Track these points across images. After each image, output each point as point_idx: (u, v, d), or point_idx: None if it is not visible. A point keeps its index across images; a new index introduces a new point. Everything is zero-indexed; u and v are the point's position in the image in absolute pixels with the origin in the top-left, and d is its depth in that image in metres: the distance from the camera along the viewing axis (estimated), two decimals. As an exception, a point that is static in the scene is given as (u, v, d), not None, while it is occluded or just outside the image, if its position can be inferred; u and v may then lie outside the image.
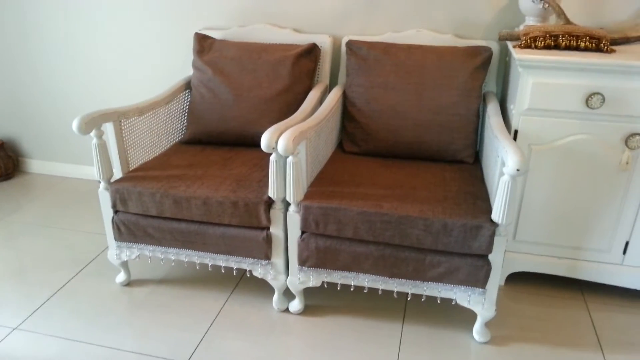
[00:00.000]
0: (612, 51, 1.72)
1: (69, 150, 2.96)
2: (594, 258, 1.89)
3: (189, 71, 2.30)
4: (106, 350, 1.70)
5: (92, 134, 1.78)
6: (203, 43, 2.23)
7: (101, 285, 2.03)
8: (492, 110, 1.88)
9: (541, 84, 1.70)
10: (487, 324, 1.76)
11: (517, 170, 1.39)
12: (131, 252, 1.93)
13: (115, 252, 1.95)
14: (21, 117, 2.95)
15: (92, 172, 2.95)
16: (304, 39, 2.25)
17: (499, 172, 1.56)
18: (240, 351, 1.70)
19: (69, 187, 2.89)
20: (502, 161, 1.52)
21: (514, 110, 1.78)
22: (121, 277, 2.03)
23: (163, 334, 1.77)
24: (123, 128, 1.91)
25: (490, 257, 1.60)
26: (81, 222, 2.51)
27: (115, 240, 1.92)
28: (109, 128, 1.86)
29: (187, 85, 2.27)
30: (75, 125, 1.71)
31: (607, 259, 1.88)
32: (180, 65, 2.58)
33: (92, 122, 1.75)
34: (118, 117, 1.87)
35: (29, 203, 2.69)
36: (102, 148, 1.80)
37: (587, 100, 1.68)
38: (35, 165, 3.06)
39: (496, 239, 1.55)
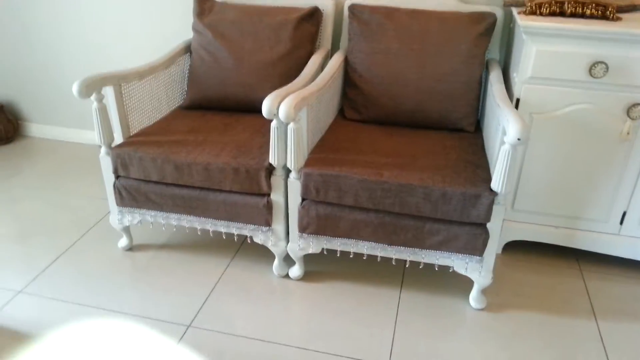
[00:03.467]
0: (619, 19, 1.69)
1: (70, 114, 2.95)
2: (591, 228, 1.91)
3: (189, 34, 2.27)
4: (109, 313, 1.74)
5: (93, 97, 1.77)
6: (203, 5, 2.19)
7: (104, 250, 2.05)
8: (495, 78, 1.87)
9: (545, 52, 1.68)
10: (484, 291, 1.79)
11: (518, 139, 1.39)
12: (133, 217, 1.95)
13: (117, 217, 1.96)
14: (21, 80, 2.93)
15: (94, 136, 2.94)
16: (305, 2, 2.21)
17: (499, 141, 1.56)
18: (241, 315, 1.74)
19: (70, 151, 2.89)
20: (503, 130, 1.51)
21: (516, 78, 1.77)
22: (123, 242, 2.05)
23: (165, 298, 1.81)
24: (123, 92, 1.89)
25: (488, 225, 1.61)
26: (83, 187, 2.52)
27: (117, 205, 1.93)
28: (109, 92, 1.85)
29: (187, 49, 2.25)
30: (75, 88, 1.70)
31: (604, 228, 1.90)
32: (180, 28, 2.54)
33: (92, 86, 1.74)
34: (118, 80, 1.85)
35: (30, 167, 2.70)
36: (103, 112, 1.80)
37: (590, 69, 1.67)
38: (36, 129, 3.05)
39: (495, 207, 1.57)
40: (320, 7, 2.18)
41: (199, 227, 1.90)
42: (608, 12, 1.68)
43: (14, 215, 2.28)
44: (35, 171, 2.66)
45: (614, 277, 1.94)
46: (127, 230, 2.03)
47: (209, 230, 2.12)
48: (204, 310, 1.76)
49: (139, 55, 2.67)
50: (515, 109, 1.54)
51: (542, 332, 1.68)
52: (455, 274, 1.92)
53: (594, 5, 1.69)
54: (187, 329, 1.68)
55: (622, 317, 1.75)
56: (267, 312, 1.75)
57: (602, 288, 1.88)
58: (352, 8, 2.06)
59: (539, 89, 1.73)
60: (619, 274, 1.96)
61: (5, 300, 1.78)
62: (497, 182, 1.52)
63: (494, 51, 2.10)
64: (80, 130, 2.97)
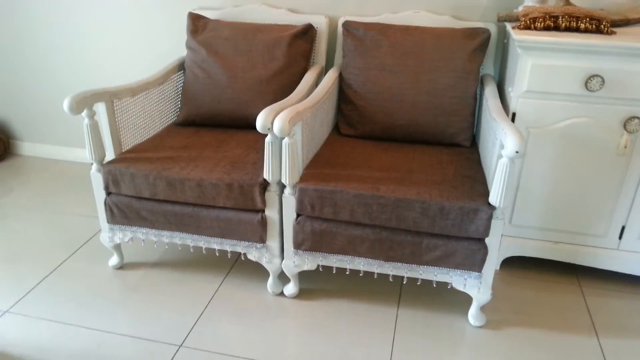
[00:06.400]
0: (613, 33, 1.69)
1: (61, 132, 2.92)
2: (590, 243, 1.89)
3: (183, 52, 2.26)
4: (99, 333, 1.68)
5: (84, 113, 1.75)
6: (197, 23, 2.18)
7: (94, 269, 2.01)
8: (490, 93, 1.86)
9: (540, 66, 1.68)
10: (483, 308, 1.75)
11: (517, 152, 1.38)
12: (124, 234, 1.91)
13: (108, 234, 1.92)
14: (11, 99, 2.90)
15: (85, 154, 2.91)
16: (299, 20, 2.21)
17: (497, 155, 1.55)
18: (235, 334, 1.69)
19: (61, 169, 2.85)
20: (501, 143, 1.50)
21: (512, 92, 1.76)
22: (114, 260, 2.01)
23: (157, 317, 1.76)
24: (115, 109, 1.87)
25: (487, 240, 1.58)
26: (74, 205, 2.48)
27: (108, 222, 1.89)
28: (101, 108, 1.82)
29: (181, 66, 2.24)
30: (66, 104, 1.68)
31: (603, 243, 1.87)
32: (173, 45, 2.53)
33: (83, 102, 1.71)
34: (110, 97, 1.83)
35: (20, 186, 2.66)
36: (94, 128, 1.77)
37: (586, 82, 1.66)
38: (27, 147, 3.01)
39: (493, 222, 1.54)
40: (314, 25, 2.18)
41: (191, 244, 1.86)
42: (602, 26, 1.68)
43: (3, 234, 2.23)
44: (26, 190, 2.62)
45: (614, 293, 1.91)
46: (118, 248, 1.99)
47: (201, 248, 2.08)
48: (196, 329, 1.71)
49: (133, 73, 2.66)
50: (512, 123, 1.52)
51: (543, 349, 1.65)
52: (454, 291, 1.88)
53: (588, 19, 1.69)
54: (178, 348, 1.63)
55: (624, 333, 1.72)
56: (261, 331, 1.71)
57: (603, 304, 1.85)
58: (347, 25, 2.06)
59: (535, 103, 1.73)
60: (619, 289, 1.93)
61: (-9, 321, 1.73)
62: (495, 196, 1.50)
63: (488, 67, 2.10)
64: (72, 148, 2.94)
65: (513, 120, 1.76)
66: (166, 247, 2.15)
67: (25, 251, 2.11)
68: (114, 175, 1.79)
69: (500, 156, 1.48)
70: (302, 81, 2.03)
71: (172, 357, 1.59)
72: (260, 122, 1.56)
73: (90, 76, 2.72)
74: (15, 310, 1.78)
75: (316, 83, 2.10)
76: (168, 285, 1.92)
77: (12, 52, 2.77)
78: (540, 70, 1.68)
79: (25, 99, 2.88)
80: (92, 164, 1.83)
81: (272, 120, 1.55)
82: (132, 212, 1.84)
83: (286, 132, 1.52)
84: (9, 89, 2.87)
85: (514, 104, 1.75)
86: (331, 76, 2.03)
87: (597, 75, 1.64)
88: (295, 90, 1.95)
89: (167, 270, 2.00)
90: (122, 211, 1.85)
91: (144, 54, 2.59)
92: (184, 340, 1.66)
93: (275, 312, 1.79)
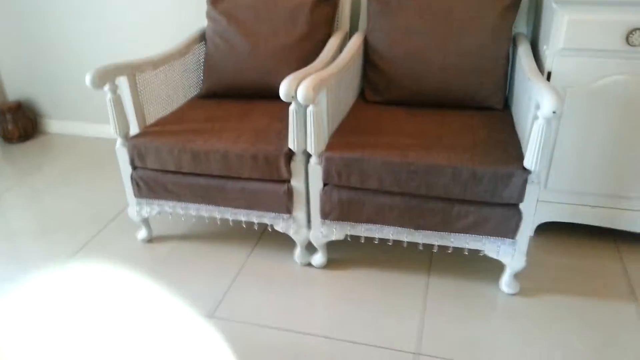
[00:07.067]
0: (657, -18, 1.58)
1: (88, 108, 2.93)
2: (630, 206, 1.80)
3: (204, 22, 2.22)
4: (129, 307, 1.70)
5: (106, 88, 1.73)
6: (216, -9, 2.13)
7: (124, 243, 2.02)
8: (524, 52, 1.77)
9: (578, 21, 1.58)
10: (516, 276, 1.70)
11: (554, 112, 1.30)
12: (151, 208, 1.91)
13: (136, 208, 1.93)
14: (38, 77, 2.92)
15: (110, 130, 2.92)
16: (321, -16, 2.13)
17: (531, 117, 1.47)
18: (264, 304, 1.68)
19: (89, 146, 2.88)
20: (536, 104, 1.43)
21: (547, 51, 1.67)
22: (142, 233, 2.02)
23: (186, 288, 1.77)
24: (138, 82, 1.85)
25: (521, 206, 1.52)
26: (102, 181, 2.50)
27: (135, 196, 1.90)
28: (123, 83, 1.81)
29: (202, 37, 2.19)
30: (88, 78, 1.66)
31: (644, 207, 1.79)
32: (194, 16, 2.49)
33: (105, 76, 1.70)
34: (132, 70, 1.81)
35: (49, 164, 2.69)
36: (117, 102, 1.76)
37: (627, 37, 1.56)
38: (55, 125, 3.04)
39: (528, 186, 1.48)
40: (337, -13, 2.10)
41: (218, 217, 1.85)
42: (645, -24, 1.57)
43: (34, 211, 2.27)
44: (54, 167, 2.65)
45: (655, 259, 1.84)
46: (146, 221, 1.99)
47: (228, 220, 2.08)
48: (226, 299, 1.71)
49: (155, 45, 2.63)
50: (547, 82, 1.45)
51: (581, 317, 1.60)
52: (486, 258, 1.84)
53: (629, -32, 1.58)
54: (209, 319, 1.63)
55: (666, 300, 1.66)
56: (290, 301, 1.70)
57: (644, 270, 1.78)
58: (370, -14, 1.98)
59: (572, 61, 1.64)
60: (661, 255, 1.85)
61: (27, 295, 1.76)
62: (530, 160, 1.43)
63: (520, 25, 2.00)
64: (99, 124, 2.96)
65: (549, 79, 1.68)
66: (193, 219, 2.15)
67: (56, 227, 2.14)
68: (139, 149, 1.78)
69: (535, 117, 1.41)
70: (326, 47, 1.97)
71: (203, 328, 1.59)
72: (283, 90, 1.52)
73: (113, 50, 2.71)
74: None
75: (340, 49, 2.04)
76: (197, 258, 1.92)
77: (36, 31, 2.77)
78: (578, 25, 1.58)
79: (51, 77, 2.89)
80: (117, 139, 1.82)
81: (295, 88, 1.51)
82: (158, 185, 1.83)
83: (310, 99, 1.48)
84: (35, 68, 2.89)
85: (549, 63, 1.66)
86: (355, 41, 1.97)
87: (639, 29, 1.54)
88: (319, 56, 1.89)
89: (196, 242, 2.01)
90: (148, 185, 1.85)
91: (166, 26, 2.56)
92: (214, 311, 1.66)
93: (304, 282, 1.78)
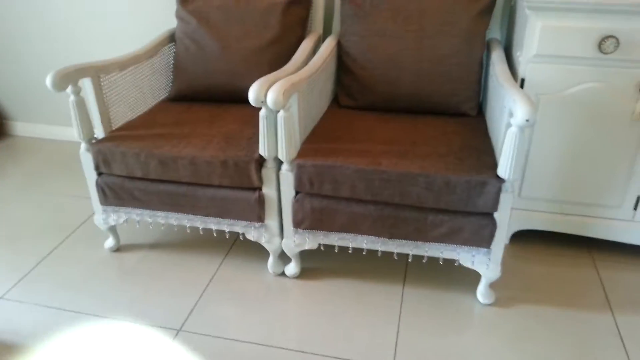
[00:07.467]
0: (629, -10, 1.58)
1: (55, 110, 2.84)
2: (604, 214, 1.80)
3: (173, 23, 2.15)
4: (96, 318, 1.63)
5: (69, 90, 1.66)
6: (186, -8, 2.07)
7: (90, 252, 1.95)
8: (497, 59, 1.76)
9: (551, 28, 1.57)
10: (492, 285, 1.69)
11: (527, 120, 1.28)
12: (118, 216, 1.84)
13: (102, 216, 1.85)
14: (2, 78, 2.81)
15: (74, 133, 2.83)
16: (295, -14, 2.09)
17: (505, 124, 1.45)
18: (235, 317, 1.63)
19: (55, 149, 2.78)
20: (510, 111, 1.41)
21: (520, 57, 1.66)
22: (110, 242, 1.95)
23: (155, 300, 1.70)
24: (103, 84, 1.78)
25: (495, 215, 1.50)
26: (68, 186, 2.41)
27: (101, 204, 1.83)
28: (87, 85, 1.74)
29: (172, 38, 2.13)
30: (49, 80, 1.59)
31: (617, 215, 1.79)
32: (163, 16, 2.42)
33: (67, 77, 1.62)
34: (96, 72, 1.74)
35: (14, 167, 2.59)
36: (80, 105, 1.68)
37: (600, 44, 1.56)
38: (20, 127, 2.93)
39: (502, 195, 1.46)
40: (310, -11, 2.06)
41: (188, 225, 1.79)
42: (618, -17, 1.57)
43: (-5, 217, 2.18)
44: (19, 171, 2.55)
45: (629, 266, 1.83)
46: (113, 230, 1.92)
47: (198, 228, 2.02)
48: (196, 311, 1.65)
49: (121, 46, 2.55)
50: (521, 89, 1.43)
51: (555, 327, 1.58)
52: (461, 268, 1.82)
53: (602, -25, 1.57)
54: (177, 333, 1.57)
55: (639, 307, 1.65)
56: (263, 313, 1.65)
57: (618, 278, 1.78)
58: (344, -11, 1.94)
59: (545, 67, 1.62)
60: (635, 262, 1.85)
61: (-16, 309, 1.68)
62: (504, 168, 1.41)
63: (495, 30, 1.99)
64: (65, 127, 2.86)
65: (522, 86, 1.66)
66: (162, 228, 2.08)
67: (19, 235, 2.06)
68: (104, 154, 1.71)
69: (509, 125, 1.39)
70: (298, 50, 1.93)
71: (171, 342, 1.54)
72: (252, 95, 1.47)
73: (79, 51, 2.62)
74: (9, 297, 1.72)
75: (313, 52, 2.00)
76: (166, 268, 1.86)
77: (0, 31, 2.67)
78: (551, 32, 1.57)
79: (16, 78, 2.79)
80: (81, 143, 1.75)
81: (265, 93, 1.46)
82: (125, 192, 1.77)
83: (281, 104, 1.43)
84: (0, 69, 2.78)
85: (522, 70, 1.65)
86: (329, 44, 1.93)
87: (611, 36, 1.54)
88: (291, 60, 1.85)
89: (165, 251, 1.94)
90: (114, 192, 1.78)
91: (134, 27, 2.49)
92: (183, 323, 1.60)
93: (277, 293, 1.73)
